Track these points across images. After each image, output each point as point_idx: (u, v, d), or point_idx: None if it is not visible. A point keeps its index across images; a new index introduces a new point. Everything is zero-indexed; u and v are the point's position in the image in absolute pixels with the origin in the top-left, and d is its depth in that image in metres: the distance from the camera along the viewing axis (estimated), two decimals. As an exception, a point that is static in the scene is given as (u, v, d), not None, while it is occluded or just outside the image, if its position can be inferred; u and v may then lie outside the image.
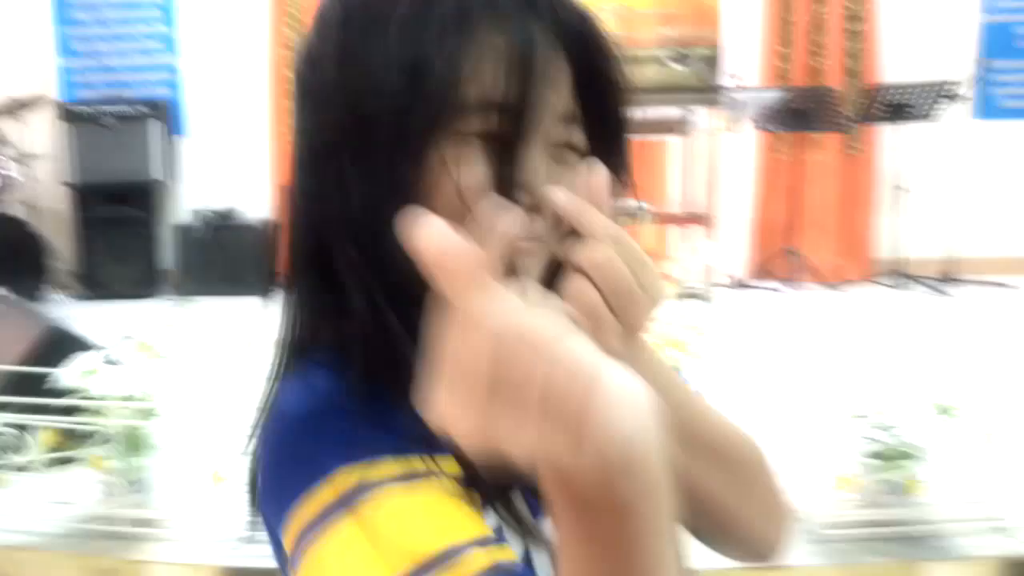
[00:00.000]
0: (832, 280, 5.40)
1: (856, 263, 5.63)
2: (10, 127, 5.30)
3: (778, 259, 5.38)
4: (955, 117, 5.41)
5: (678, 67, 5.40)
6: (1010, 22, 5.73)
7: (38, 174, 5.51)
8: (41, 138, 5.53)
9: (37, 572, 2.04)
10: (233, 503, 2.05)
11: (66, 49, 5.88)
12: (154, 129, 5.62)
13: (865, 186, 5.78)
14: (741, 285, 5.36)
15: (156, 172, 5.66)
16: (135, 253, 5.64)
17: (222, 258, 5.40)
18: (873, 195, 5.76)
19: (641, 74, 5.72)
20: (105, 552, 2.05)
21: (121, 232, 5.65)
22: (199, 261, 5.51)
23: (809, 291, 5.18)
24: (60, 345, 2.37)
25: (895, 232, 5.48)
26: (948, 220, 5.45)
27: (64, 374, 2.00)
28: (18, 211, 5.35)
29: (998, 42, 5.72)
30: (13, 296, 2.70)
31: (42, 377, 2.06)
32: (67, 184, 5.63)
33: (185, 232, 5.68)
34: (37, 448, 2.10)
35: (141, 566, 2.03)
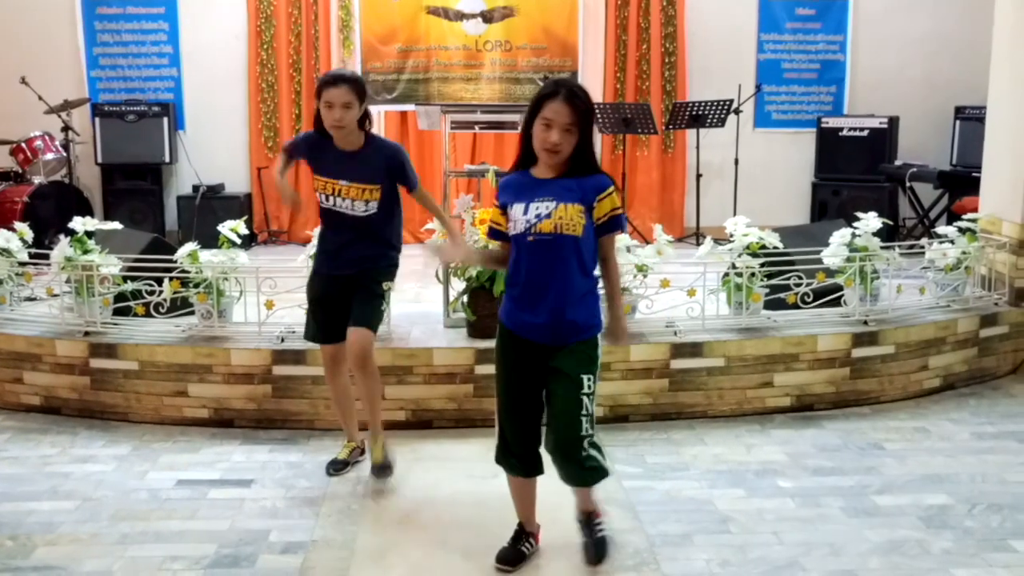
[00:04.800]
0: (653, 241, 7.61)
1: (672, 229, 7.86)
2: (57, 121, 7.28)
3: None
4: (741, 126, 7.69)
5: (546, 86, 7.55)
6: (778, 59, 8.07)
7: (78, 156, 7.53)
8: (80, 129, 7.54)
9: (167, 357, 4.19)
10: (276, 319, 4.26)
11: (94, 63, 7.89)
12: (163, 124, 7.66)
13: (678, 174, 8.07)
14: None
15: (164, 156, 7.71)
16: (148, 217, 7.69)
17: (213, 220, 7.41)
18: (684, 180, 8.05)
19: (520, 90, 7.91)
20: (205, 346, 4.22)
21: (137, 201, 7.73)
22: (196, 223, 7.51)
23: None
24: (161, 245, 4.67)
25: (698, 206, 7.72)
26: (732, 198, 7.66)
27: (179, 253, 4.23)
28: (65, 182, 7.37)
29: (769, 73, 8.06)
30: (122, 226, 4.86)
31: (162, 257, 4.32)
32: (98, 164, 7.69)
33: (185, 201, 7.74)
34: (168, 291, 4.28)
35: (225, 352, 4.19)
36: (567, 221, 2.62)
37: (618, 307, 2.82)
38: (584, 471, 2.74)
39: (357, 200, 3.40)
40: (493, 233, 2.83)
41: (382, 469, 3.56)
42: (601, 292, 2.80)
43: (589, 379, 2.70)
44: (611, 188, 2.69)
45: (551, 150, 2.61)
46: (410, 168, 3.53)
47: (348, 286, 3.48)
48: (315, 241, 3.77)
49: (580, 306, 2.70)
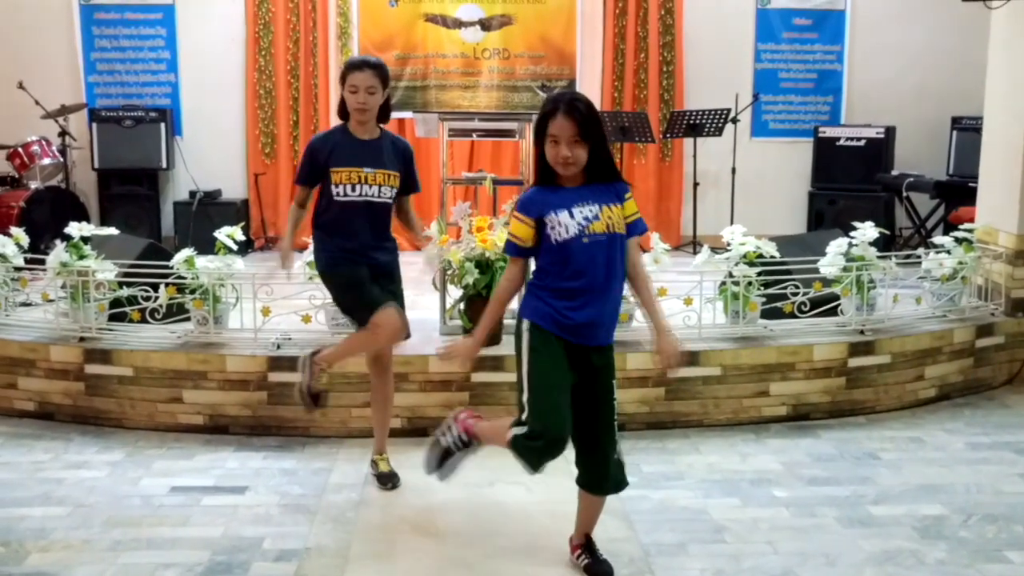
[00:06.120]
0: (649, 249, 7.62)
1: (669, 237, 7.86)
2: (54, 126, 7.28)
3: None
4: (738, 135, 7.70)
5: (544, 94, 7.54)
6: (775, 69, 8.10)
7: (75, 161, 7.53)
8: (77, 135, 7.54)
9: (162, 363, 4.19)
10: (273, 325, 4.26)
11: (92, 69, 7.89)
12: (160, 129, 7.67)
13: (675, 182, 8.08)
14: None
15: (161, 162, 7.71)
16: (144, 222, 7.67)
17: (209, 226, 7.40)
18: (680, 189, 8.06)
19: (518, 98, 7.93)
20: (201, 352, 4.20)
21: (133, 206, 7.72)
22: (192, 229, 7.52)
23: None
24: (157, 251, 4.67)
25: (695, 215, 7.73)
26: (729, 207, 7.67)
27: (175, 259, 4.22)
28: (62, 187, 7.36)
29: (767, 82, 8.08)
30: (118, 231, 4.85)
31: (158, 263, 4.29)
32: (95, 169, 7.68)
33: (182, 207, 7.73)
34: (164, 297, 4.27)
35: (220, 358, 4.18)
36: (615, 220, 2.69)
37: (663, 318, 2.79)
38: (621, 475, 2.81)
39: (384, 185, 3.42)
40: (513, 249, 2.75)
41: (392, 476, 3.64)
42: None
43: (616, 384, 2.80)
44: (630, 191, 2.79)
45: (565, 163, 2.65)
46: (416, 169, 3.57)
47: (379, 271, 3.47)
48: (312, 249, 3.62)
49: (618, 308, 2.80)
